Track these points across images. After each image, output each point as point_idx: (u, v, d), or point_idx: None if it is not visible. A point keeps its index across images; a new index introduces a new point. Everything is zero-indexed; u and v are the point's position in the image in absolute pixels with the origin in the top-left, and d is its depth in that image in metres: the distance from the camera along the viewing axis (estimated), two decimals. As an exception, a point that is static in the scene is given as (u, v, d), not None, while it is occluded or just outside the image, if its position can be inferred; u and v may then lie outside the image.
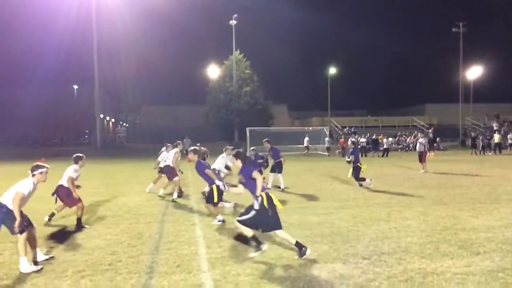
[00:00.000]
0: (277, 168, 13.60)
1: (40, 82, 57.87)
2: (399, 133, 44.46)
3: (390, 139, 37.90)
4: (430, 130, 42.60)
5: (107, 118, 76.47)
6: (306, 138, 34.28)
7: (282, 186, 13.19)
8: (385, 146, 32.38)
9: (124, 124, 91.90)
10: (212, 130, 52.37)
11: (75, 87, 67.49)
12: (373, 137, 36.21)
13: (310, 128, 42.62)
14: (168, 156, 12.46)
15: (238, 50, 49.39)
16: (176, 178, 11.69)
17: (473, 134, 38.13)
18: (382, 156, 31.02)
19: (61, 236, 7.44)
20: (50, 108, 60.24)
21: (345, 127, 49.05)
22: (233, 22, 43.87)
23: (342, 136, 38.50)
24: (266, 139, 14.12)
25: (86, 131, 63.36)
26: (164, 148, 14.65)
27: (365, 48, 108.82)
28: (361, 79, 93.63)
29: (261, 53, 74.97)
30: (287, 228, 7.81)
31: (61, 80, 62.16)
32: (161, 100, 77.49)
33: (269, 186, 13.37)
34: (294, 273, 5.35)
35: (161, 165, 13.03)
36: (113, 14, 42.10)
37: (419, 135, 21.78)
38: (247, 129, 37.02)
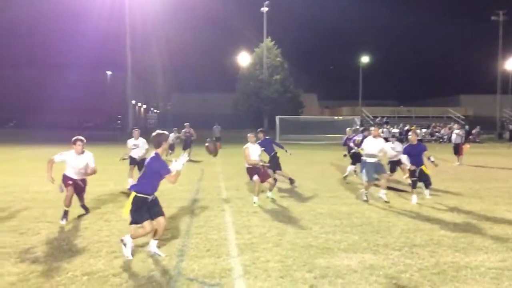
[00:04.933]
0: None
1: (75, 67, 59.36)
2: (433, 124, 43.40)
3: (424, 130, 37.04)
4: (477, 129, 40.75)
5: (139, 104, 77.70)
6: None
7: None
8: (418, 138, 31.63)
9: (155, 110, 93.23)
10: (242, 117, 52.51)
11: (109, 73, 68.83)
12: (406, 127, 35.48)
13: (341, 117, 42.13)
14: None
15: (269, 37, 49.11)
16: (255, 177, 9.12)
17: (511, 126, 36.75)
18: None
19: (96, 218, 7.65)
20: (84, 93, 61.65)
21: (377, 117, 48.20)
22: (264, 9, 43.55)
23: (376, 126, 37.74)
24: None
25: (119, 116, 64.59)
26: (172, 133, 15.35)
27: (398, 36, 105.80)
28: (393, 68, 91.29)
29: (292, 41, 74.26)
30: (316, 217, 7.80)
31: (95, 65, 63.48)
32: (192, 87, 78.12)
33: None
34: (323, 261, 5.33)
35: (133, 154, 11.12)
36: (146, 1, 42.44)
37: (455, 126, 21.08)
38: (277, 117, 36.91)
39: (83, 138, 7.43)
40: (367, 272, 4.98)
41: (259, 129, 12.14)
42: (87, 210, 7.90)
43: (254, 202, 8.93)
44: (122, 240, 5.44)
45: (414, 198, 9.15)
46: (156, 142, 5.50)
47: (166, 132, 5.63)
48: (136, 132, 11.36)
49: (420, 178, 9.31)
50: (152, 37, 66.24)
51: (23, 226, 6.95)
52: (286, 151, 12.00)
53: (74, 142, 7.35)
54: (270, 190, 9.46)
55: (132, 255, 5.42)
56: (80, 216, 7.64)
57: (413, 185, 9.24)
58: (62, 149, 8.15)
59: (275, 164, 11.35)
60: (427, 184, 9.47)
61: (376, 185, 9.93)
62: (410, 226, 7.18)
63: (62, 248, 5.81)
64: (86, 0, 45.93)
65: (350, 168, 12.86)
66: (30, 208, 8.36)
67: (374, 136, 9.48)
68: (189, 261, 5.35)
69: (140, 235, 5.42)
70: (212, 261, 5.36)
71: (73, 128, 53.99)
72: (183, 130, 20.29)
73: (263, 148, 10.12)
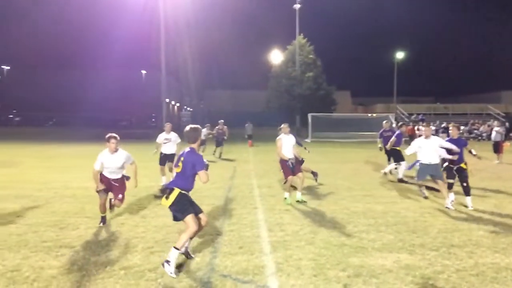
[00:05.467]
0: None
1: (111, 67, 61.08)
2: (471, 121, 42.01)
3: (462, 127, 35.87)
4: None
5: (172, 102, 78.99)
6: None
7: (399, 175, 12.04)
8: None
9: (188, 108, 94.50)
10: (273, 115, 52.44)
11: (143, 72, 70.34)
12: (443, 125, 34.50)
13: (374, 115, 41.39)
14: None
15: (301, 34, 48.74)
16: (289, 178, 8.97)
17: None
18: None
19: (132, 214, 7.83)
20: (120, 92, 63.31)
21: (412, 114, 47.10)
22: (297, 6, 43.26)
23: (411, 123, 36.83)
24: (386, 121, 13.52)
25: (153, 114, 65.87)
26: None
27: (435, 30, 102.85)
28: (430, 64, 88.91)
29: (325, 37, 73.62)
30: (350, 215, 7.72)
31: (130, 65, 65.16)
32: (224, 85, 78.78)
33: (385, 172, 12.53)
34: (357, 260, 5.27)
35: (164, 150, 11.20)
36: (179, 1, 43.01)
37: (495, 123, 20.27)
38: (309, 115, 36.65)
39: (116, 136, 6.94)
40: (402, 272, 4.89)
41: (283, 124, 12.12)
42: (110, 207, 7.29)
43: (285, 198, 8.90)
44: (166, 261, 4.87)
45: (451, 196, 8.63)
46: (192, 138, 5.31)
47: (199, 127, 5.49)
48: (168, 126, 11.20)
49: (459, 176, 8.63)
50: (185, 35, 67.08)
51: (63, 221, 7.21)
52: (305, 148, 11.90)
53: (108, 140, 6.89)
54: (299, 190, 9.10)
55: (167, 250, 5.47)
56: (115, 215, 7.83)
57: (449, 186, 8.75)
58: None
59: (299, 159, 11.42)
60: (467, 190, 8.48)
61: (436, 190, 9.54)
62: (448, 226, 6.99)
63: (100, 243, 5.99)
64: (121, 3, 47.04)
65: (391, 166, 12.46)
66: (70, 203, 8.66)
67: (426, 137, 8.76)
68: (222, 257, 5.40)
69: (186, 239, 5.06)
70: (245, 258, 5.39)
71: (110, 126, 55.59)
72: (216, 127, 20.24)
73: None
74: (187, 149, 5.34)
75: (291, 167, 9.00)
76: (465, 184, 8.53)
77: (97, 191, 6.96)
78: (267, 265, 5.14)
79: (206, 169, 5.18)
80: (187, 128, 5.39)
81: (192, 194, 5.59)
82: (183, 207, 5.15)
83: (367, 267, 5.04)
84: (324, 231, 6.65)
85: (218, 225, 7.02)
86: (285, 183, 9.13)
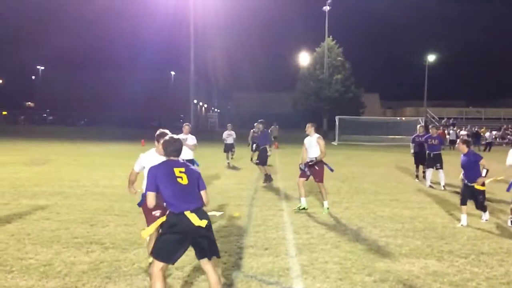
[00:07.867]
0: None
1: (142, 68, 62.24)
2: (505, 126, 40.79)
3: (494, 132, 34.90)
4: None
5: (200, 103, 79.76)
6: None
7: (442, 183, 11.46)
8: (487, 140, 29.89)
9: (216, 109, 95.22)
10: (300, 117, 52.26)
11: (173, 73, 71.34)
12: (474, 129, 33.64)
13: (404, 118, 40.73)
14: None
15: (330, 36, 48.45)
16: (299, 179, 8.51)
17: None
18: (484, 150, 28.70)
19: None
20: (149, 93, 64.36)
21: (443, 118, 46.11)
22: (326, 8, 43.02)
23: (441, 128, 36.04)
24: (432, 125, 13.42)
25: (181, 115, 66.67)
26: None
27: (468, 30, 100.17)
28: (463, 66, 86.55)
29: (354, 40, 73.11)
30: (376, 220, 7.63)
31: (160, 66, 66.28)
32: (252, 86, 79.07)
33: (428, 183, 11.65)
34: (383, 265, 5.22)
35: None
36: (208, 3, 43.46)
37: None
38: (336, 117, 36.39)
39: (168, 133, 5.02)
40: (430, 279, 4.81)
41: (259, 120, 12.22)
42: None
43: (304, 207, 8.28)
44: None
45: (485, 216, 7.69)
46: (176, 151, 4.12)
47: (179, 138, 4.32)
48: (186, 127, 10.41)
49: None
50: (214, 38, 67.84)
51: (93, 218, 7.40)
52: (270, 149, 12.23)
53: (157, 139, 5.17)
54: (325, 199, 8.33)
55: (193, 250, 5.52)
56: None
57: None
58: (129, 146, 8.51)
59: (262, 157, 11.83)
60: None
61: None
62: (478, 233, 6.83)
63: (129, 240, 6.13)
64: (151, 6, 47.93)
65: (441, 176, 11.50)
66: (100, 201, 8.89)
67: None
68: (248, 258, 5.44)
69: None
70: (270, 259, 5.41)
71: (140, 126, 56.64)
72: (251, 130, 16.73)
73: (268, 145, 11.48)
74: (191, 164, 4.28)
75: (304, 170, 8.33)
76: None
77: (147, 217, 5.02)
78: (293, 267, 5.14)
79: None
80: (168, 138, 4.21)
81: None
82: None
83: (394, 273, 4.98)
84: (350, 235, 6.60)
85: (243, 226, 7.06)
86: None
